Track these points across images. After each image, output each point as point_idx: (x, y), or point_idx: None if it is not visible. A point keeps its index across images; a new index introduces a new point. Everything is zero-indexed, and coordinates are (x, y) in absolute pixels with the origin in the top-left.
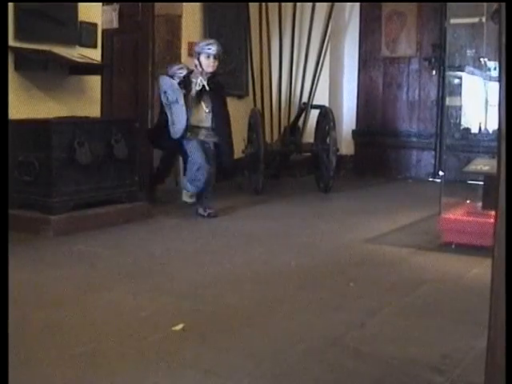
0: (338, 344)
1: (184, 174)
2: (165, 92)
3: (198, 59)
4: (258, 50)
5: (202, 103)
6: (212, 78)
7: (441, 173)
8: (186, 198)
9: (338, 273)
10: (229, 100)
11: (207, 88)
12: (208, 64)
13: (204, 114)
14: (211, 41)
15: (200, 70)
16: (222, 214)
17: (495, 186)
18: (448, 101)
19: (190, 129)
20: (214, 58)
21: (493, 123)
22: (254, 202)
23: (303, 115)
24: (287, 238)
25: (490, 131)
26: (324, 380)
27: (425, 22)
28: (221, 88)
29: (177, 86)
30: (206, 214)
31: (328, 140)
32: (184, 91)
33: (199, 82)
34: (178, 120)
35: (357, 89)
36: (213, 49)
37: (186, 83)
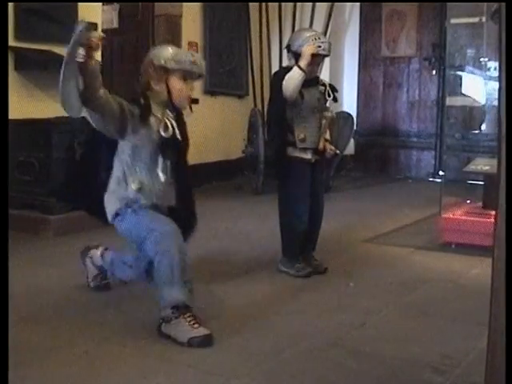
0: (339, 344)
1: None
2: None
3: (167, 80)
4: (258, 50)
5: (160, 163)
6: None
7: (441, 173)
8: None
9: (338, 273)
10: (229, 100)
11: (178, 137)
12: (181, 89)
13: (162, 183)
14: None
15: (168, 97)
16: (222, 214)
17: (495, 185)
18: (448, 101)
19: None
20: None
21: (493, 123)
22: (253, 202)
23: None
24: None
25: (490, 131)
26: (324, 380)
27: (425, 21)
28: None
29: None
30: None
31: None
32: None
33: (169, 122)
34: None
35: (357, 89)
36: (197, 63)
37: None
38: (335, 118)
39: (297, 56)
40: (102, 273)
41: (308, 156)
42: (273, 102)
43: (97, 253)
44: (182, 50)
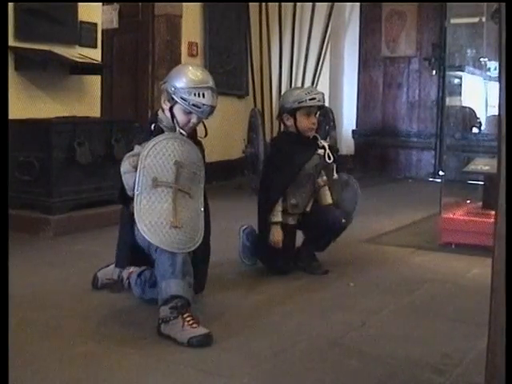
0: (339, 344)
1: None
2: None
3: (171, 110)
4: (258, 50)
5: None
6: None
7: (441, 173)
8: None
9: (338, 273)
10: (229, 100)
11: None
12: (185, 120)
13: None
14: None
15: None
16: (222, 214)
17: (495, 185)
18: (448, 101)
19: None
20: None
21: (493, 123)
22: (253, 202)
23: None
24: None
25: (490, 131)
26: (324, 380)
27: (425, 21)
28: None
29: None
30: None
31: (328, 140)
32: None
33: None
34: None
35: (357, 89)
36: (207, 104)
37: None
38: (327, 181)
39: (293, 113)
40: (116, 282)
41: (293, 222)
42: (270, 171)
43: (131, 270)
44: (202, 80)
